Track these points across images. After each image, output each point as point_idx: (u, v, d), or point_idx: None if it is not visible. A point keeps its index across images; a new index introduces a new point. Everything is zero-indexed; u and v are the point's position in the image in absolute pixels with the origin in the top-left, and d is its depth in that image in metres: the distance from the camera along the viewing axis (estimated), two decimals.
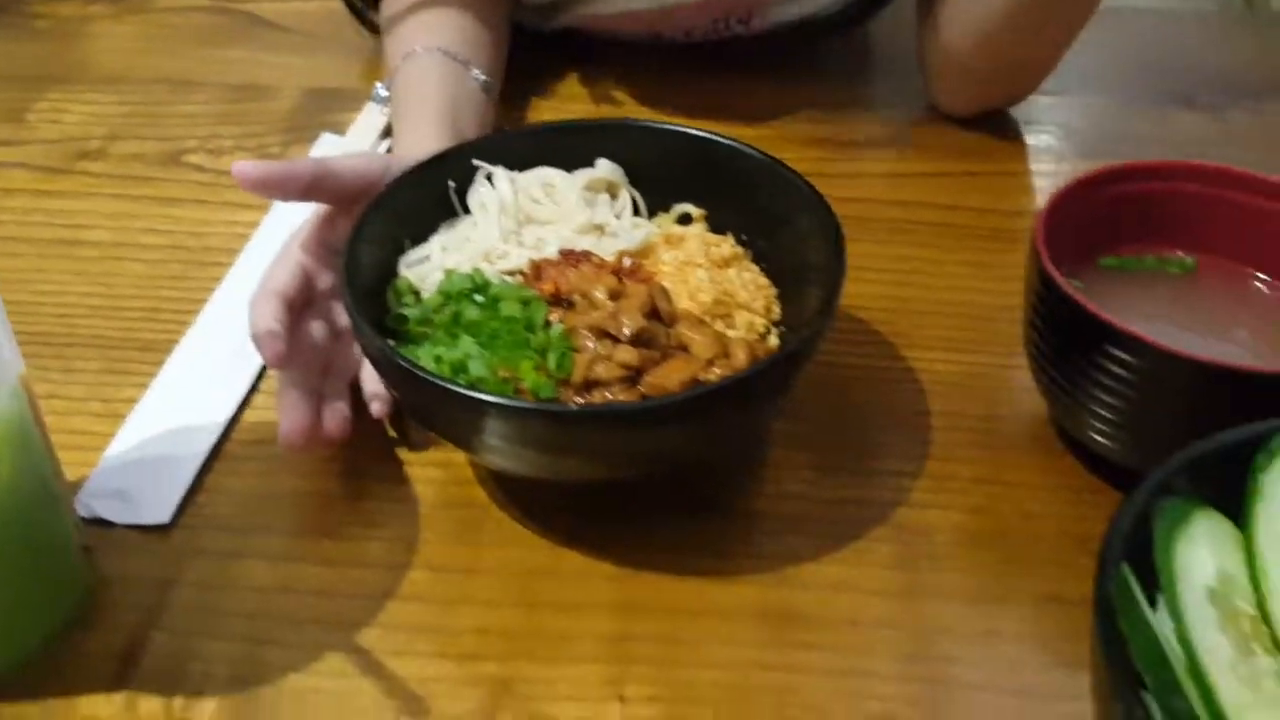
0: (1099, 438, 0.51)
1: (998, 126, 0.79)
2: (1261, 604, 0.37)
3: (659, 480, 0.53)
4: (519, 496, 0.54)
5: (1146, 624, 0.33)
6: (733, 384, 0.46)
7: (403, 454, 0.56)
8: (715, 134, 0.58)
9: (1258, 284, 0.55)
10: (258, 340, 0.50)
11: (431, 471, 0.55)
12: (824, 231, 0.52)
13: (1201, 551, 0.38)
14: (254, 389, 0.59)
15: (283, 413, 0.51)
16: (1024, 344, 0.54)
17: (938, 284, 0.66)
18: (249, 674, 0.46)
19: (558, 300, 0.51)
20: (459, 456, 0.55)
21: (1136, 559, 0.36)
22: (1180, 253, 0.57)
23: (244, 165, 0.52)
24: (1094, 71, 0.85)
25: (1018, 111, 0.80)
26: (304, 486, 0.55)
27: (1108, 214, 0.56)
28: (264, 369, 0.60)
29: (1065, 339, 0.50)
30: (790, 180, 0.55)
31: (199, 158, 0.77)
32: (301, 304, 0.54)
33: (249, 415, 0.58)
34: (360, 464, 0.55)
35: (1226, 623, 0.37)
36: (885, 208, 0.72)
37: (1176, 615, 0.36)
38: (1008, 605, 0.49)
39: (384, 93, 0.77)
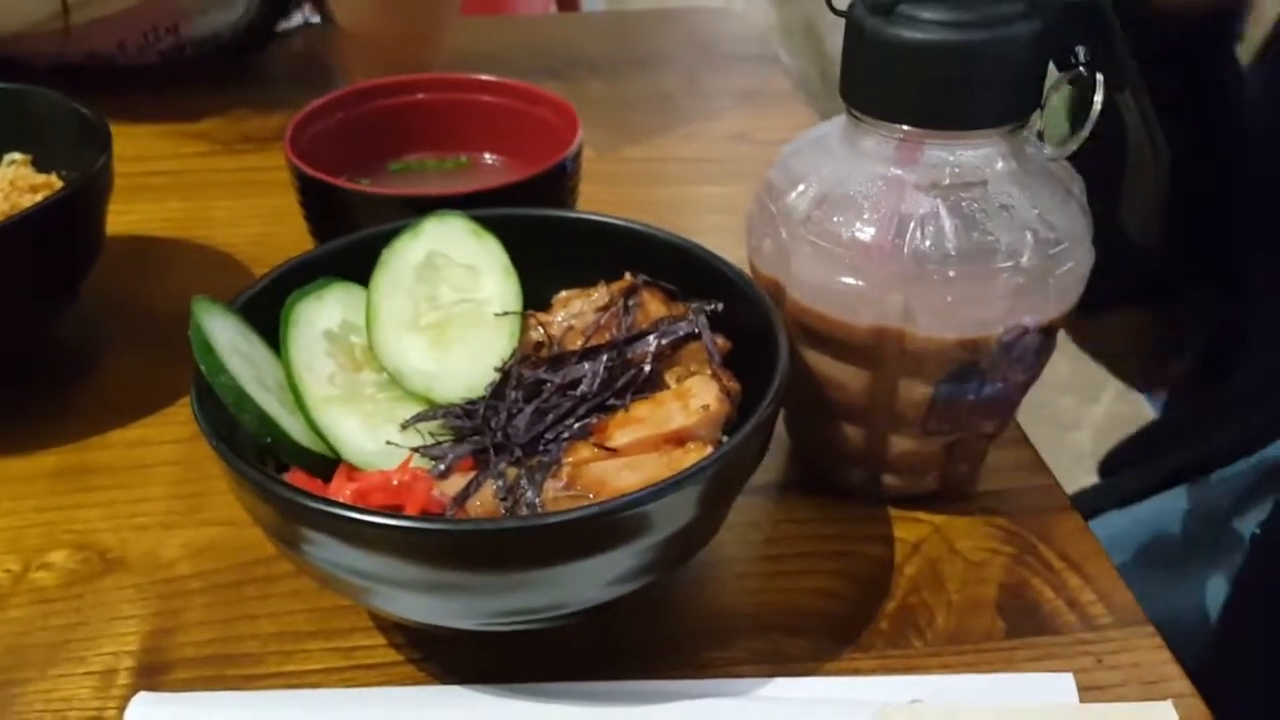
0: None
1: None
2: (370, 338, 0.47)
3: None
4: None
5: (200, 330, 0.42)
6: None
7: None
8: None
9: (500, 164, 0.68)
10: None
11: None
12: None
13: (330, 307, 0.47)
14: None
15: None
16: None
17: None
18: None
19: None
20: None
21: None
22: (459, 154, 0.69)
23: None
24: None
25: None
26: None
27: (385, 126, 0.67)
28: None
29: (306, 204, 0.61)
30: None
31: None
32: None
33: None
34: None
35: (337, 351, 0.46)
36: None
37: (286, 345, 0.45)
38: None
39: None
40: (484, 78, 0.67)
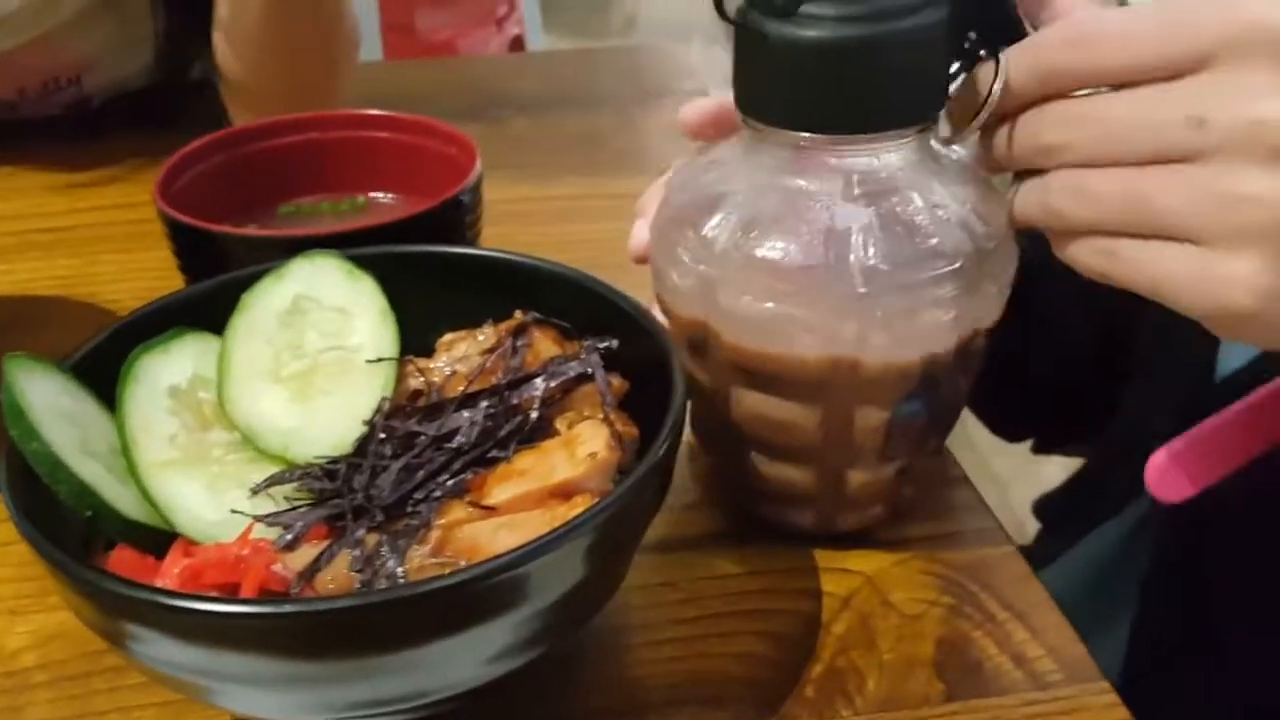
0: None
1: None
2: (220, 392, 0.42)
3: None
4: None
5: (11, 392, 0.37)
6: None
7: None
8: None
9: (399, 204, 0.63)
10: None
11: None
12: None
13: (178, 360, 0.42)
14: None
15: None
16: None
17: None
18: None
19: None
20: None
21: None
22: (355, 194, 0.64)
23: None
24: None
25: None
26: None
27: (273, 168, 0.62)
28: None
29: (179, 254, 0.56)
30: None
31: None
32: None
33: None
34: None
35: (182, 409, 0.41)
36: None
37: (121, 404, 0.40)
38: None
39: None
40: (376, 113, 0.62)
